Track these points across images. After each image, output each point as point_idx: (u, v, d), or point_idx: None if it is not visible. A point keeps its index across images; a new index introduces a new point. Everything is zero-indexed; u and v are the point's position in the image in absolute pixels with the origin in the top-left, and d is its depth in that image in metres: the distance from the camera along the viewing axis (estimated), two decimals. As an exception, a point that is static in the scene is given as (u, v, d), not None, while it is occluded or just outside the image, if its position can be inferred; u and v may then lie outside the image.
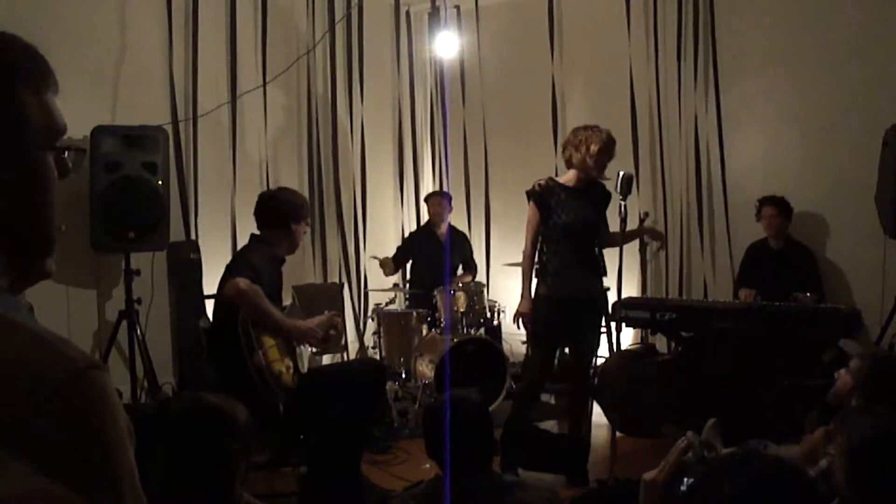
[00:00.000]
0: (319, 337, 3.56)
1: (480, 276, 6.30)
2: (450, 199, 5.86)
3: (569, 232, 3.82)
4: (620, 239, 3.76)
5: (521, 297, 3.94)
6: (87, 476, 0.70)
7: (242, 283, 3.26)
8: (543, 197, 3.83)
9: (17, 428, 0.68)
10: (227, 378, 3.39)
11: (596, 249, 3.94)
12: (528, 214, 3.93)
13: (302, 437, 3.72)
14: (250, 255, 3.52)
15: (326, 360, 5.10)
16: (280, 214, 3.63)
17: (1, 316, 0.75)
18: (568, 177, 3.88)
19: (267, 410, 3.30)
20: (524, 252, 3.97)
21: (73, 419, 0.70)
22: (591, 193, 3.89)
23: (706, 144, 5.47)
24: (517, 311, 3.96)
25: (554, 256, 3.86)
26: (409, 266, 6.03)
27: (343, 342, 5.20)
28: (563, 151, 3.91)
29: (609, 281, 4.08)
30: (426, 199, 5.97)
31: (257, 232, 3.73)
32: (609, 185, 3.88)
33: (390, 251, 5.93)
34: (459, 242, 5.89)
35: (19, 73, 0.82)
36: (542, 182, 3.88)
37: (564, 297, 3.82)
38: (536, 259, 3.94)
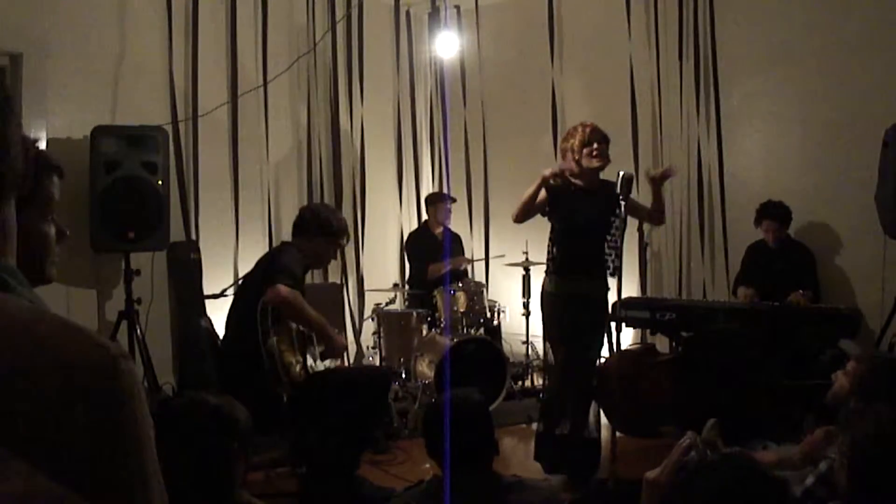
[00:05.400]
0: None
1: (479, 276, 6.31)
2: (451, 200, 5.88)
3: (575, 231, 3.81)
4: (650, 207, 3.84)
5: (542, 177, 3.72)
6: (116, 467, 0.70)
7: (284, 290, 3.29)
8: (557, 191, 3.79)
9: (47, 419, 0.67)
10: (232, 374, 3.41)
11: (605, 250, 3.92)
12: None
13: (303, 437, 3.72)
14: (287, 260, 3.51)
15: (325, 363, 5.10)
16: (314, 226, 3.66)
17: (38, 308, 0.75)
18: (579, 179, 3.87)
19: (271, 407, 3.30)
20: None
21: (105, 407, 0.70)
22: (602, 194, 3.86)
23: (706, 144, 5.47)
24: (546, 174, 3.72)
25: (560, 255, 3.85)
26: (408, 266, 6.03)
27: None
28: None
29: (609, 281, 4.06)
30: (429, 202, 5.95)
31: (285, 240, 3.78)
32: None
33: (390, 251, 5.94)
34: (457, 243, 5.91)
35: (53, 168, 1.29)
36: (559, 178, 3.82)
37: (568, 296, 3.82)
38: (546, 257, 3.91)
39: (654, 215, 4.02)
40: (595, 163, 3.77)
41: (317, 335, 3.58)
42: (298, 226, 3.73)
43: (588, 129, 3.78)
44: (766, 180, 5.14)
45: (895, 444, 1.64)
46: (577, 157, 3.76)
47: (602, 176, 3.93)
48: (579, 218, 3.80)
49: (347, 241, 4.02)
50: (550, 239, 3.91)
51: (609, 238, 3.90)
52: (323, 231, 3.67)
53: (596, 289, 3.91)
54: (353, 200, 6.12)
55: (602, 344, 4.10)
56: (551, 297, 3.85)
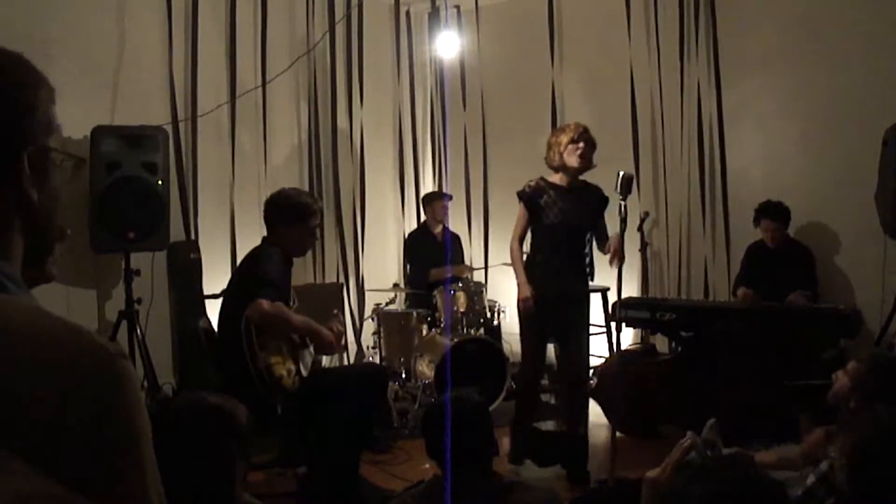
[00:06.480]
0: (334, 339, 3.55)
1: (479, 276, 6.30)
2: (448, 197, 5.88)
3: (555, 231, 3.85)
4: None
5: (518, 284, 3.95)
6: (114, 466, 0.70)
7: (265, 304, 3.21)
8: (532, 198, 3.89)
9: (46, 419, 0.67)
10: (228, 378, 3.39)
11: (585, 251, 3.95)
12: (517, 212, 4.00)
13: (303, 438, 3.71)
14: (267, 267, 3.41)
15: (325, 361, 5.10)
16: (285, 213, 3.56)
17: (37, 307, 0.76)
18: (558, 176, 3.91)
19: (268, 411, 3.29)
20: (511, 246, 4.03)
21: (103, 407, 0.70)
22: (583, 195, 3.90)
23: (707, 144, 5.47)
24: (519, 297, 3.96)
25: (539, 254, 3.93)
26: (408, 266, 6.03)
27: (344, 343, 5.21)
28: (546, 161, 3.94)
29: (609, 281, 4.08)
30: (426, 201, 5.96)
31: (265, 235, 3.71)
32: (609, 185, 3.88)
33: (390, 251, 5.93)
34: (456, 243, 5.91)
35: (46, 87, 0.94)
36: (532, 183, 3.93)
37: (547, 294, 3.86)
38: (525, 256, 4.00)
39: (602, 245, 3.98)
40: (573, 161, 3.80)
41: (308, 337, 3.51)
42: (270, 217, 3.60)
43: (580, 129, 3.85)
44: (766, 180, 5.14)
45: (895, 444, 1.64)
46: (561, 151, 3.82)
47: (594, 179, 3.95)
48: (562, 217, 3.83)
49: (321, 218, 3.93)
50: (531, 240, 3.98)
51: (588, 238, 3.94)
52: (295, 217, 3.55)
53: (574, 287, 3.95)
54: (352, 200, 6.12)
55: (588, 341, 4.13)
56: (529, 300, 3.89)
